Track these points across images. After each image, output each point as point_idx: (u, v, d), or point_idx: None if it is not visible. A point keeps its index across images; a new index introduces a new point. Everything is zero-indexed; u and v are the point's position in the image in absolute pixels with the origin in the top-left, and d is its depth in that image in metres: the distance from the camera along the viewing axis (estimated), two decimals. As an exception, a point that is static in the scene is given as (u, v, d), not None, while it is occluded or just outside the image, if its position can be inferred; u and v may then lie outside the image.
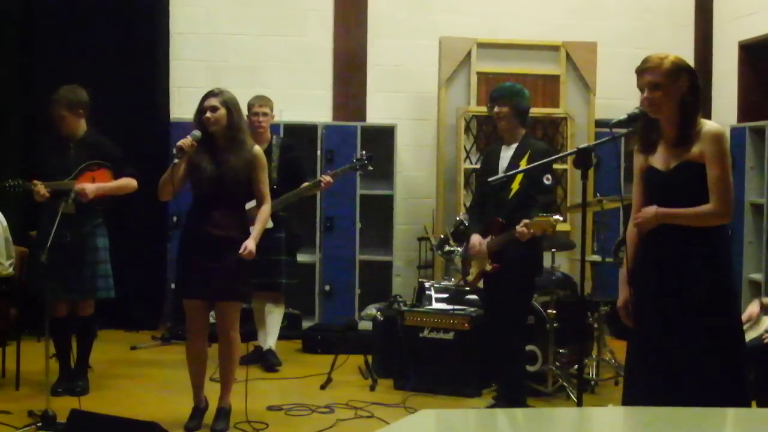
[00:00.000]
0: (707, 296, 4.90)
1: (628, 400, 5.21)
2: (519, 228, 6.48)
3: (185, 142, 6.28)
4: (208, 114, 6.33)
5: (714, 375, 4.87)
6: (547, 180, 6.68)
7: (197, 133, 6.32)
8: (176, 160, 6.29)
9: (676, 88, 4.89)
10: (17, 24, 9.66)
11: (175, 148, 6.29)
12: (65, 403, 6.59)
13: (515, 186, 6.66)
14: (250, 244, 6.35)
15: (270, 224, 7.59)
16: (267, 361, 8.16)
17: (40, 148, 7.67)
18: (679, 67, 4.94)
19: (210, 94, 6.41)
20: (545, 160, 6.26)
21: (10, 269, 7.39)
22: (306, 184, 8.11)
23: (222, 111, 6.34)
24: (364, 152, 8.25)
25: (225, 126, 6.37)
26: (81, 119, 7.28)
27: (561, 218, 6.53)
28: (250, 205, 6.66)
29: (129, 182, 7.33)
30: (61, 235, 6.70)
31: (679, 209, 4.92)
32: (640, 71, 4.97)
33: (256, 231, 6.48)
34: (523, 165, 6.55)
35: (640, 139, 5.07)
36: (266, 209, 6.60)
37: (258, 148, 6.57)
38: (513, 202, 6.70)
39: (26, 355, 7.47)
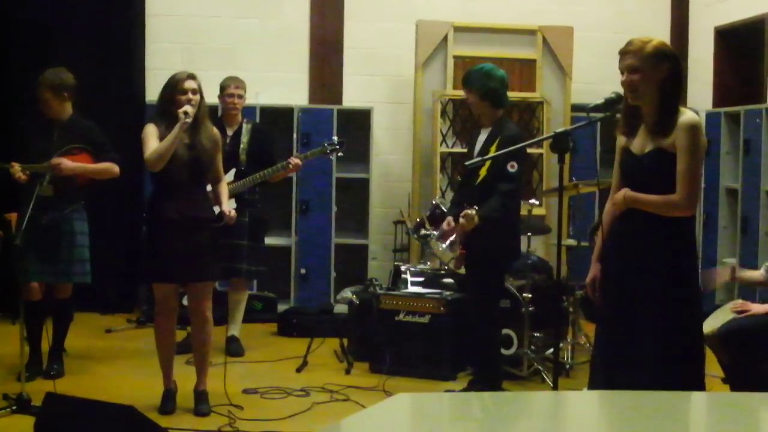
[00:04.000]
0: (668, 279, 4.95)
1: (594, 381, 5.26)
2: (460, 219, 6.51)
3: (189, 109, 6.30)
4: (191, 96, 6.34)
5: (671, 358, 4.92)
6: (512, 168, 6.54)
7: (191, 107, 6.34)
8: (188, 119, 6.27)
9: (656, 74, 4.91)
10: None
11: (182, 113, 6.25)
12: (40, 387, 6.58)
13: (483, 172, 6.62)
14: (229, 210, 6.49)
15: (233, 205, 7.59)
16: (230, 349, 8.13)
17: (23, 129, 7.62)
18: (661, 52, 4.95)
19: (189, 77, 6.42)
20: (511, 149, 6.17)
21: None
22: (275, 166, 8.06)
23: (198, 96, 6.38)
24: (336, 137, 8.22)
25: (196, 111, 6.40)
26: (66, 102, 7.24)
27: (475, 212, 6.48)
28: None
29: (110, 167, 7.29)
30: (37, 217, 6.66)
31: (644, 195, 4.97)
32: (623, 53, 4.99)
33: (225, 200, 6.61)
34: (492, 151, 6.50)
35: (623, 121, 5.10)
36: (225, 184, 6.79)
37: (215, 129, 6.64)
38: (479, 188, 6.66)
39: (0, 338, 7.44)
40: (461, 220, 6.49)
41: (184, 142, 6.37)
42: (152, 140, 6.36)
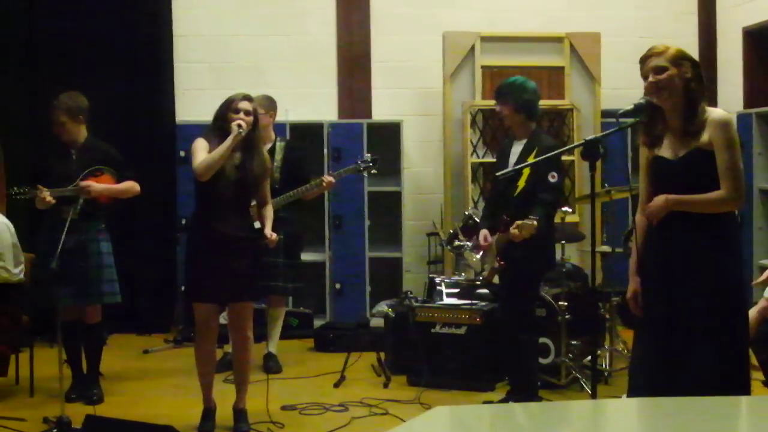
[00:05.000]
0: (716, 286, 4.89)
1: (633, 390, 5.22)
2: (512, 230, 6.47)
3: (242, 122, 6.33)
4: (243, 116, 6.36)
5: (718, 367, 4.85)
6: (552, 178, 6.56)
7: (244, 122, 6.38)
8: (242, 131, 6.29)
9: (681, 73, 4.92)
10: (20, 30, 9.67)
11: (236, 125, 6.28)
12: (80, 409, 6.62)
13: (521, 183, 6.62)
14: (271, 233, 6.47)
15: None
16: (267, 366, 8.14)
17: (42, 154, 7.67)
18: (682, 54, 5.00)
19: (244, 98, 6.45)
20: (545, 156, 6.13)
21: (21, 275, 7.39)
22: (308, 184, 8.07)
23: (251, 118, 6.40)
24: (369, 155, 8.24)
25: (248, 132, 6.42)
26: (81, 125, 7.29)
27: (535, 221, 6.45)
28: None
29: (133, 185, 7.35)
30: (65, 241, 6.67)
31: (690, 196, 4.92)
32: (645, 58, 5.00)
33: (269, 223, 6.57)
34: (530, 162, 6.49)
35: (645, 132, 5.08)
36: (271, 207, 6.74)
37: (267, 156, 6.68)
38: (518, 199, 6.65)
39: (39, 362, 7.48)
40: (513, 230, 6.43)
41: (233, 162, 6.38)
42: (202, 153, 6.36)
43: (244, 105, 6.41)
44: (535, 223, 6.37)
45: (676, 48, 5.00)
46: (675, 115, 4.96)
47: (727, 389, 4.75)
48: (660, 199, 4.99)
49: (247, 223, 6.50)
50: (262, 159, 6.53)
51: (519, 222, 6.40)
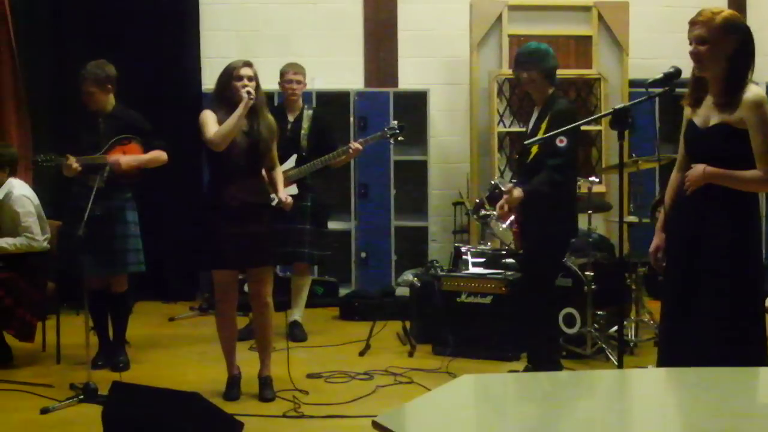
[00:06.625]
0: (731, 252, 4.85)
1: (661, 358, 5.20)
2: (504, 197, 6.50)
3: (250, 89, 6.34)
4: (246, 82, 6.36)
5: (730, 330, 4.83)
6: (560, 142, 6.40)
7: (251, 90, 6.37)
8: (252, 97, 6.30)
9: (723, 46, 4.82)
10: (48, 1, 9.67)
11: (246, 92, 6.29)
12: (106, 376, 6.66)
13: (534, 150, 6.56)
14: (284, 195, 6.53)
15: (294, 191, 7.60)
16: (293, 334, 8.14)
17: (70, 123, 7.68)
18: (731, 24, 4.86)
19: (245, 64, 6.44)
20: (569, 127, 6.06)
21: (45, 243, 7.42)
22: (335, 151, 8.07)
23: (254, 83, 6.39)
24: (396, 122, 8.22)
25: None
26: (109, 94, 7.30)
27: (519, 192, 6.47)
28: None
29: (159, 155, 7.36)
30: (92, 209, 6.67)
31: (727, 171, 4.85)
32: (692, 23, 4.90)
33: (280, 186, 6.64)
34: (543, 127, 6.44)
35: (689, 91, 5.02)
36: (280, 170, 6.80)
37: (272, 118, 6.65)
38: (530, 165, 6.60)
39: (66, 329, 7.51)
40: (505, 197, 6.49)
41: (242, 129, 6.39)
42: (212, 124, 6.39)
43: (246, 71, 6.41)
44: (517, 194, 6.41)
45: (724, 16, 4.87)
46: (715, 84, 4.89)
47: (739, 356, 4.73)
48: (698, 170, 4.92)
49: (260, 188, 6.53)
50: (267, 122, 6.54)
51: (508, 188, 6.46)
